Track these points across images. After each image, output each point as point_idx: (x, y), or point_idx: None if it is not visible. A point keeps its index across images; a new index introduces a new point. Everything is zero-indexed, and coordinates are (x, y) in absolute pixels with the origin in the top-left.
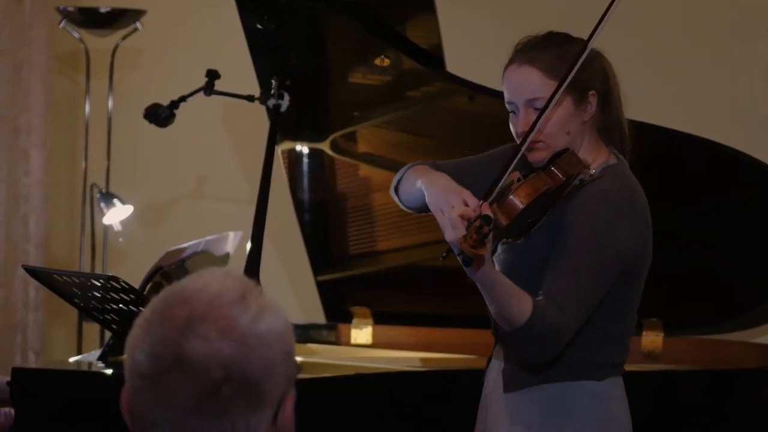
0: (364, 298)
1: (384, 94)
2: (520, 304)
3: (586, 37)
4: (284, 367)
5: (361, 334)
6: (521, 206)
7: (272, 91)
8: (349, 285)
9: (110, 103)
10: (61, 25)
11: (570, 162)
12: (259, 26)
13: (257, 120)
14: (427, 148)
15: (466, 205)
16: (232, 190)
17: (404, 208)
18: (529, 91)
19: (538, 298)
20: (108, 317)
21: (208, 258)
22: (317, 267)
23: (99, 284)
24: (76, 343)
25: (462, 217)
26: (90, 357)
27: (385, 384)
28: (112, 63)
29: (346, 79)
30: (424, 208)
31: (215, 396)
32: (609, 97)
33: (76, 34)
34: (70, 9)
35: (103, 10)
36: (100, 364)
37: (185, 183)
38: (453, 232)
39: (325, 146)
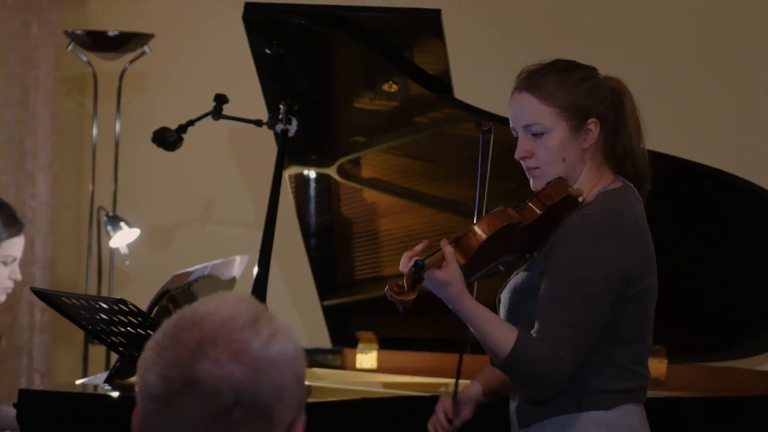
0: (369, 322)
1: (391, 120)
2: (502, 336)
3: (594, 65)
4: (295, 391)
5: (367, 358)
6: (479, 242)
7: (280, 116)
8: (354, 310)
9: (117, 127)
10: (69, 48)
11: (551, 193)
12: (267, 51)
13: (265, 144)
14: (434, 174)
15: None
16: (239, 214)
17: None
18: (525, 117)
19: (531, 332)
20: (115, 340)
21: (214, 282)
22: (323, 291)
23: (107, 307)
24: (81, 366)
25: (410, 256)
26: (96, 379)
27: (390, 409)
28: (119, 86)
29: (354, 105)
30: None
31: (226, 419)
32: (619, 124)
33: (84, 57)
34: (78, 32)
35: (111, 33)
36: (107, 387)
37: (192, 207)
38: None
39: (332, 171)
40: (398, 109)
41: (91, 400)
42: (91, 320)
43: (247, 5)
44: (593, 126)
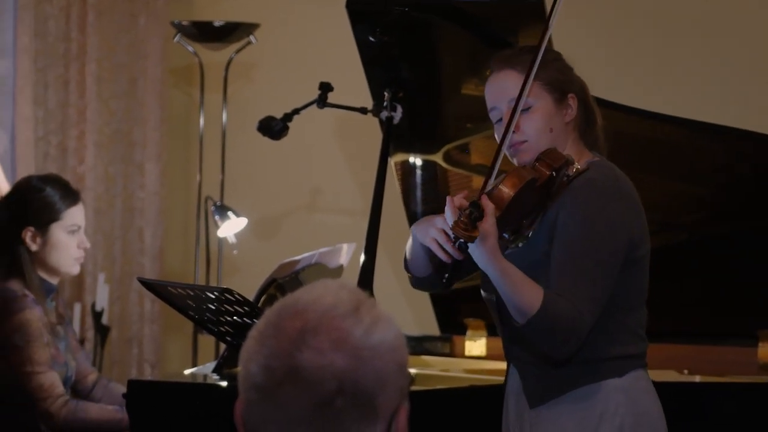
0: (478, 310)
1: None
2: (531, 292)
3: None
4: (397, 379)
5: (476, 345)
6: (510, 194)
7: (385, 103)
8: (463, 297)
9: (224, 116)
10: (176, 39)
11: (553, 157)
12: (371, 39)
13: (370, 132)
14: None
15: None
16: (345, 202)
17: (417, 285)
18: (510, 91)
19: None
20: (222, 329)
21: (321, 270)
22: None
23: (213, 296)
24: (191, 356)
25: (457, 207)
26: (205, 369)
27: (499, 396)
28: (226, 76)
29: (459, 91)
30: (427, 266)
31: (329, 408)
32: (587, 104)
33: (190, 48)
34: (185, 23)
35: (217, 23)
36: (215, 376)
37: (299, 195)
38: (443, 236)
39: (438, 158)
40: None
41: (199, 389)
42: (198, 310)
43: None
44: (572, 101)
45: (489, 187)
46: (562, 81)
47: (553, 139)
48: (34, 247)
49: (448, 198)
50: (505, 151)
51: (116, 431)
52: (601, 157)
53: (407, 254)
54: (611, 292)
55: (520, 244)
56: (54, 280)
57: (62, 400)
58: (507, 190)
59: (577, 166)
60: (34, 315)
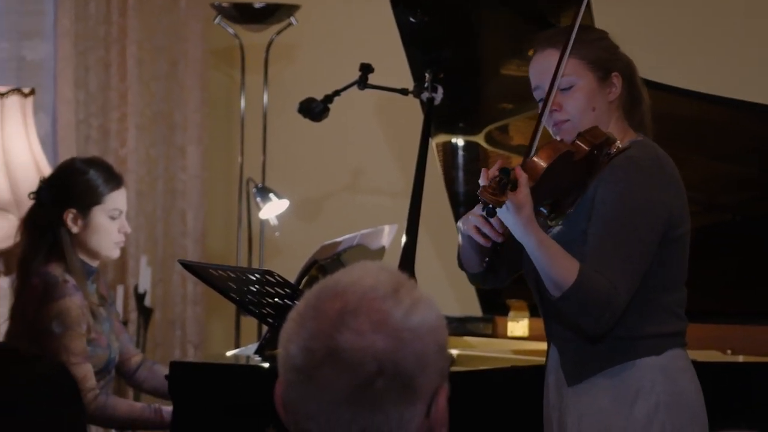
0: (520, 290)
1: None
2: (567, 265)
3: None
4: (437, 360)
5: (518, 326)
6: (544, 165)
7: (426, 84)
8: None
9: (265, 98)
10: (216, 20)
11: (594, 134)
12: (411, 19)
13: (411, 113)
14: None
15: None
16: (386, 184)
17: (474, 281)
18: (552, 70)
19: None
20: (264, 311)
21: (363, 251)
22: None
23: (255, 278)
24: (234, 337)
25: (488, 176)
26: (247, 351)
27: (541, 376)
28: (266, 58)
29: (500, 71)
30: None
31: (369, 389)
32: (633, 83)
33: (230, 30)
34: (225, 5)
35: (257, 5)
36: (257, 358)
37: (340, 177)
38: (480, 220)
39: (479, 139)
40: None
41: (241, 371)
42: (239, 292)
43: None
44: (616, 80)
45: (525, 160)
46: (605, 59)
47: (596, 118)
48: (75, 230)
49: (483, 169)
50: (546, 127)
51: (144, 429)
52: (644, 137)
53: (459, 251)
54: (648, 269)
55: (561, 223)
56: (94, 263)
57: (92, 395)
58: (541, 161)
59: (619, 144)
60: (74, 303)
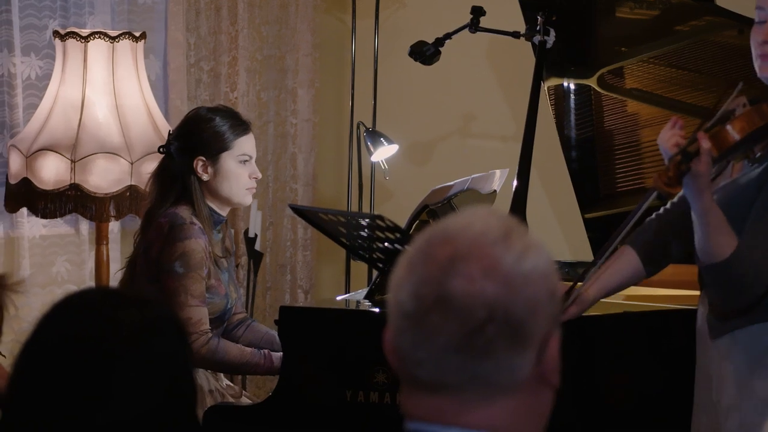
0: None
1: (652, 29)
2: (726, 240)
3: None
4: (548, 306)
5: None
6: (736, 138)
7: (538, 27)
8: (616, 222)
9: (376, 42)
10: None
11: None
12: None
13: (523, 56)
14: (696, 84)
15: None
16: (498, 128)
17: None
18: None
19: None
20: (374, 256)
21: (474, 196)
22: (584, 204)
23: (365, 223)
24: (344, 282)
25: (675, 145)
26: (357, 295)
27: (654, 323)
28: (377, 2)
29: (613, 14)
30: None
31: (479, 336)
32: None
33: None
34: None
35: None
36: (367, 303)
37: (451, 121)
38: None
39: (592, 82)
40: (659, 17)
41: (350, 316)
42: (349, 236)
43: None
44: None
45: (713, 122)
46: None
47: None
48: (205, 177)
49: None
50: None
51: (253, 374)
52: None
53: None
54: None
55: (745, 161)
56: (224, 212)
57: (205, 338)
58: (733, 134)
59: None
60: (199, 245)
